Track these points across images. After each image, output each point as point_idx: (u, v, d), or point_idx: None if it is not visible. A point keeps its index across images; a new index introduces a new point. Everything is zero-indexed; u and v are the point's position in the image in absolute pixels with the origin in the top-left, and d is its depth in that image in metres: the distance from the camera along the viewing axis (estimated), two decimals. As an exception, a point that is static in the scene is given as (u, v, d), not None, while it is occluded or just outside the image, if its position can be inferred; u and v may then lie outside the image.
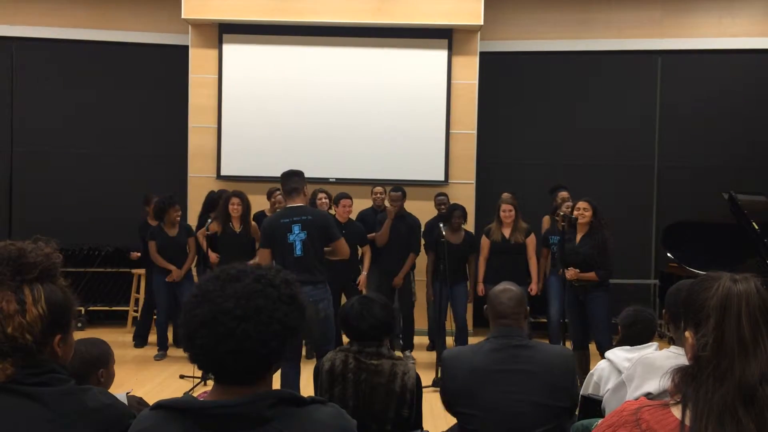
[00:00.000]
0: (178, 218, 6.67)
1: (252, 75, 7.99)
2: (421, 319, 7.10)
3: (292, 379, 4.41)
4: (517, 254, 6.19)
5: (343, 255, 4.79)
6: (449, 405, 2.73)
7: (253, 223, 6.53)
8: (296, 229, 4.54)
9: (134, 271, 7.77)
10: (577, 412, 3.15)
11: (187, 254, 6.68)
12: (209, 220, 6.40)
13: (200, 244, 6.63)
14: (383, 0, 7.73)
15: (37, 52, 8.43)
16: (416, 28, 7.80)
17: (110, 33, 8.36)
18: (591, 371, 3.20)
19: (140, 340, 7.10)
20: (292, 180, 4.67)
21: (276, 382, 4.58)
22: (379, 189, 7.03)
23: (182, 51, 8.09)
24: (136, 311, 7.72)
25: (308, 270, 4.47)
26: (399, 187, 6.76)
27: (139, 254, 7.12)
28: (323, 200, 6.59)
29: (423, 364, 6.34)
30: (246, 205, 6.43)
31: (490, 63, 8.08)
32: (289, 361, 4.45)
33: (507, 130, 8.41)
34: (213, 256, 6.38)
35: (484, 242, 6.31)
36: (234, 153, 8.00)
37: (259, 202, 7.07)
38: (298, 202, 4.65)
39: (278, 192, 6.96)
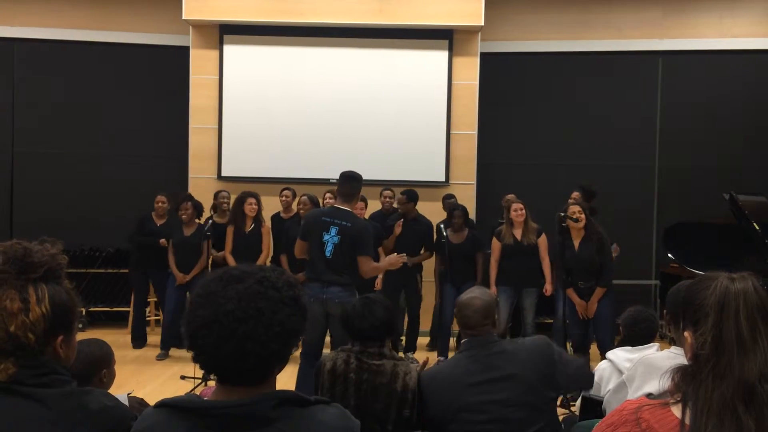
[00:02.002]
0: (185, 217, 6.68)
1: (253, 76, 7.99)
2: (425, 320, 7.07)
3: (309, 378, 4.38)
4: (530, 256, 6.10)
5: (362, 273, 4.62)
6: (437, 426, 2.71)
7: (266, 224, 6.70)
8: (333, 230, 4.58)
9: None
10: (577, 411, 3.16)
11: (198, 254, 6.61)
12: (210, 220, 6.45)
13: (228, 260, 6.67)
14: (384, 1, 7.73)
15: (38, 52, 8.43)
16: (417, 28, 7.79)
17: (111, 34, 8.37)
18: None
19: (141, 342, 7.10)
20: (351, 185, 4.74)
21: (292, 379, 4.52)
22: (388, 193, 6.99)
23: (183, 52, 8.09)
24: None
25: (336, 273, 4.54)
26: (402, 193, 6.75)
27: (165, 241, 6.76)
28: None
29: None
30: (260, 206, 6.63)
31: (490, 64, 8.08)
32: (314, 360, 4.44)
33: (507, 131, 8.41)
34: (231, 259, 6.53)
35: (495, 245, 6.22)
36: (235, 154, 8.00)
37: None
38: (346, 207, 4.70)
39: (286, 190, 6.99)
